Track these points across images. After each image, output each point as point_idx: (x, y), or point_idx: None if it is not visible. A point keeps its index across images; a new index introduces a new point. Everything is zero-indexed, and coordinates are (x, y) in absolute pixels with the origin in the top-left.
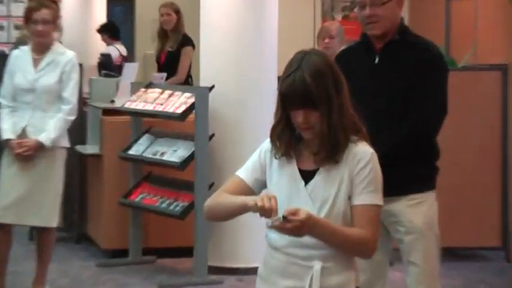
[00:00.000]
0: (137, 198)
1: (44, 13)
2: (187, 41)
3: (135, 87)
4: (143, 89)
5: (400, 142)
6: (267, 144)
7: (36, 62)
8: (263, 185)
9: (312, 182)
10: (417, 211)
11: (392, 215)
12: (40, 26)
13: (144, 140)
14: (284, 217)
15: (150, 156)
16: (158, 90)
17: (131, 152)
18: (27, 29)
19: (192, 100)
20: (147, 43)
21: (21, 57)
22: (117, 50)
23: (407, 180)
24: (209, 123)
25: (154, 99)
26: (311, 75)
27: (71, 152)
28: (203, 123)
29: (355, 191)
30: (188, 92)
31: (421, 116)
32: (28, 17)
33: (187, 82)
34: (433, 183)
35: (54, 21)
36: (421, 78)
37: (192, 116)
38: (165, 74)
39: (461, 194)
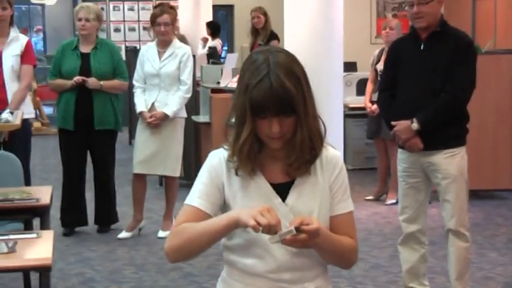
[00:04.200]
0: None
1: (165, 18)
2: (274, 36)
3: (235, 72)
4: None
5: (441, 108)
6: (216, 160)
7: (160, 54)
8: (220, 209)
9: (290, 197)
10: (452, 161)
11: (432, 165)
12: (162, 27)
13: None
14: (297, 229)
15: None
16: None
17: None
18: (152, 30)
19: None
20: (243, 38)
21: (149, 50)
22: (219, 44)
23: (444, 138)
24: None
25: None
26: (288, 77)
27: (188, 121)
28: None
29: (334, 200)
30: None
31: (457, 88)
32: (153, 21)
33: None
34: (464, 140)
35: (173, 23)
36: (458, 60)
37: None
38: None
39: (483, 148)
